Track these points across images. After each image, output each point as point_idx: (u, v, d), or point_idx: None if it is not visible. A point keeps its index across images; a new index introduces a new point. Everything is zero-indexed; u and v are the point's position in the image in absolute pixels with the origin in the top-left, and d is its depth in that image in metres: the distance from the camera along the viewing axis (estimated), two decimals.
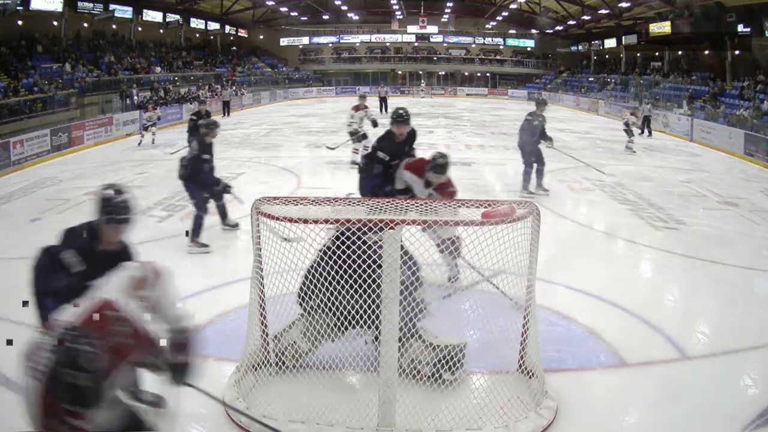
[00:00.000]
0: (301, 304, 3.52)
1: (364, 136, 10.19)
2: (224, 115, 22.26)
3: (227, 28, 35.11)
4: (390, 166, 5.26)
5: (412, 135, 5.54)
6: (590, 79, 33.08)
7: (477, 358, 3.66)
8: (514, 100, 34.61)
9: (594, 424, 3.22)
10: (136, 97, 20.22)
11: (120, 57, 24.42)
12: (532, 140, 8.46)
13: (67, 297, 2.20)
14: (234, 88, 26.94)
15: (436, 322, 3.57)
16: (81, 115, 17.11)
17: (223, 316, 4.43)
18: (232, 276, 5.22)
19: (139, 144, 14.76)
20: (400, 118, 5.32)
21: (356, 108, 10.69)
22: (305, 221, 3.05)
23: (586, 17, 30.99)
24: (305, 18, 37.87)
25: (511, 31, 39.28)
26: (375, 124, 10.58)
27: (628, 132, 13.98)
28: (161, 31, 29.30)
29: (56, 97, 17.34)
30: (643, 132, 16.34)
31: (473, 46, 40.39)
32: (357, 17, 38.45)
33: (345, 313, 3.23)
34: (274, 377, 3.45)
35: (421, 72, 40.23)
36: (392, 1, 35.85)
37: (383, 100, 23.58)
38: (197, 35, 33.47)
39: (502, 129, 17.93)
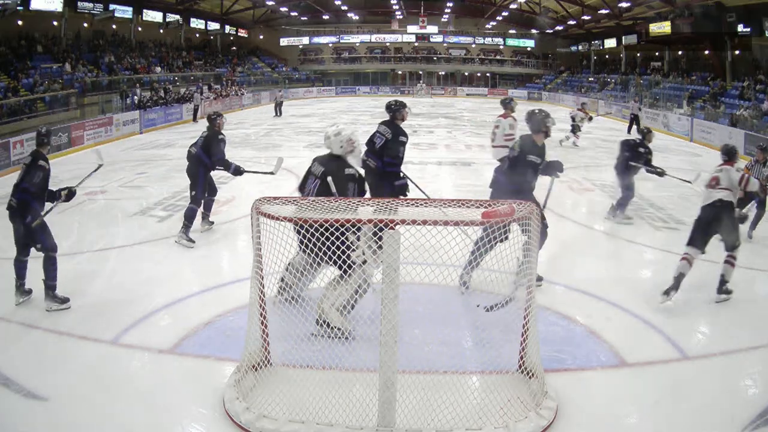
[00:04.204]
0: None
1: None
2: (193, 121, 20.78)
3: (227, 28, 35.10)
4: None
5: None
6: (590, 79, 33.10)
7: (477, 358, 3.66)
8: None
9: (594, 424, 3.22)
10: (137, 97, 20.19)
11: (120, 57, 24.42)
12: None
13: None
14: (202, 94, 23.95)
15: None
16: (81, 115, 17.12)
17: (223, 316, 4.43)
18: (232, 276, 5.22)
19: None
20: None
21: None
22: (305, 221, 3.07)
23: (586, 17, 31.00)
24: (305, 18, 37.89)
25: (511, 31, 39.29)
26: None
27: (575, 127, 14.09)
28: (161, 31, 29.29)
29: (56, 96, 17.33)
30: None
31: (473, 46, 40.39)
32: (357, 17, 38.46)
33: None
34: (275, 377, 3.45)
35: (421, 72, 40.22)
36: (392, 1, 35.84)
37: (279, 105, 23.49)
38: (197, 35, 33.46)
39: None
